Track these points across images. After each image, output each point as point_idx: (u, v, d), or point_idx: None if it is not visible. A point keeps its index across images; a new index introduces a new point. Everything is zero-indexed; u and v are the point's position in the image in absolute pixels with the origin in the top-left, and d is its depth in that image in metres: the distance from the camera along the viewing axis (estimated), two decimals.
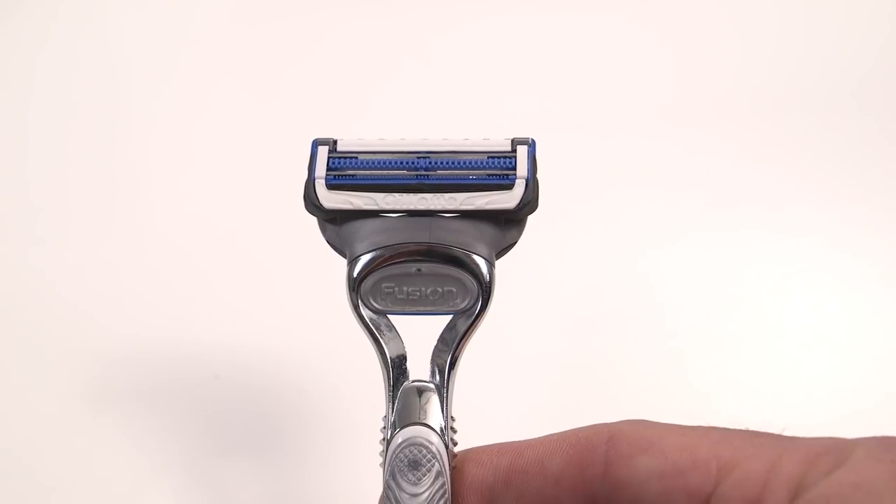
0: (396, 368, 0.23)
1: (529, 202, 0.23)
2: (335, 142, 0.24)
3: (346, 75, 0.50)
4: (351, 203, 0.23)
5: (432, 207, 0.23)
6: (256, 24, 0.53)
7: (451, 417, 0.23)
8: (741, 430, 0.20)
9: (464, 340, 0.23)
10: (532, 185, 0.23)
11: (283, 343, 0.40)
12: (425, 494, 0.22)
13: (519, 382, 0.37)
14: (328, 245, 0.24)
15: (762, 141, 0.47)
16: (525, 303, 0.41)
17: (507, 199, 0.23)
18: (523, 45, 0.52)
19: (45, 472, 0.36)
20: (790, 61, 0.51)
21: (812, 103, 0.48)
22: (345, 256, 0.24)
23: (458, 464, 0.23)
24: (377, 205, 0.23)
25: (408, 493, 0.22)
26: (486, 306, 0.23)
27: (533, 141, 0.24)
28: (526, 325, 0.40)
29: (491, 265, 0.23)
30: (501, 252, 0.24)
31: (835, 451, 0.18)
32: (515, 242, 0.24)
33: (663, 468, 0.20)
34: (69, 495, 0.36)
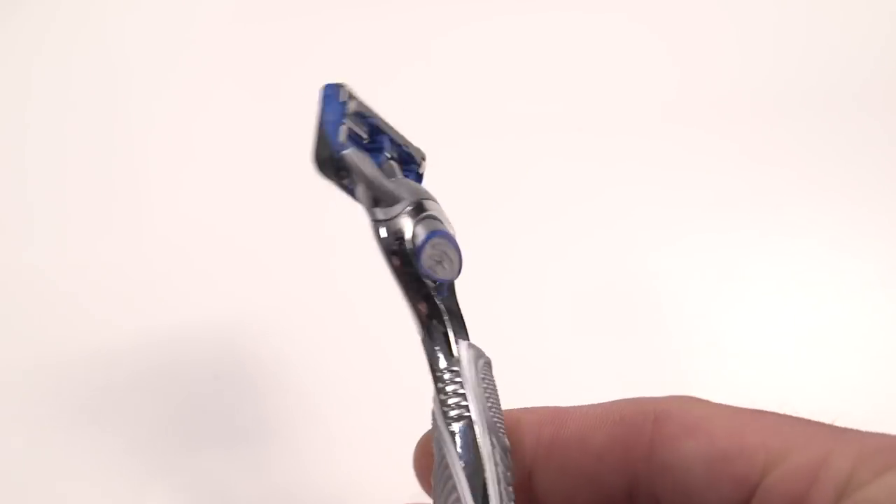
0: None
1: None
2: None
3: (346, 76, 0.50)
4: None
5: None
6: (256, 24, 0.52)
7: None
8: (792, 418, 0.20)
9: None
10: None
11: (284, 344, 0.39)
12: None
13: (518, 383, 0.37)
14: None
15: (763, 141, 0.47)
16: (525, 303, 0.40)
17: None
18: (523, 46, 0.52)
19: (45, 472, 0.36)
20: (791, 62, 0.51)
21: (813, 104, 0.48)
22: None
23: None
24: None
25: None
26: None
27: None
28: (525, 325, 0.40)
29: None
30: None
31: (886, 451, 0.17)
32: None
33: (710, 453, 0.19)
34: (68, 494, 0.35)
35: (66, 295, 0.41)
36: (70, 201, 0.45)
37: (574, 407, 0.22)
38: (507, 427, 0.22)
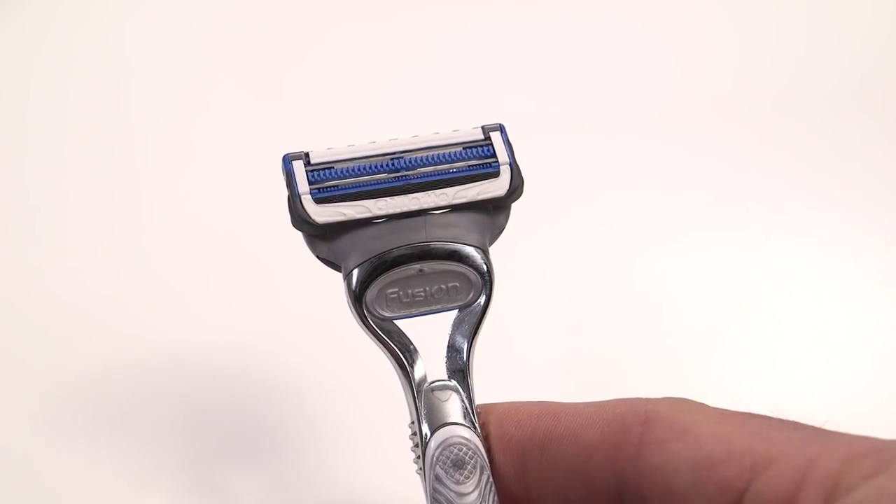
0: (414, 371, 0.23)
1: (518, 187, 0.24)
2: (307, 154, 0.23)
3: (346, 75, 0.50)
4: (343, 214, 0.23)
5: (425, 206, 0.23)
6: (256, 25, 0.52)
7: (476, 411, 0.23)
8: (780, 421, 0.20)
9: (476, 332, 0.24)
10: (516, 169, 0.24)
11: (283, 344, 0.39)
12: (476, 492, 0.22)
13: (518, 383, 0.37)
14: (320, 261, 0.24)
15: (762, 141, 0.47)
16: (525, 303, 0.40)
17: (496, 187, 0.23)
18: (523, 45, 0.52)
19: (44, 473, 0.36)
20: (790, 61, 0.51)
21: (812, 103, 0.48)
22: (340, 271, 0.24)
23: (495, 418, 0.23)
24: (370, 212, 0.23)
25: (457, 493, 0.22)
26: (490, 295, 0.24)
27: (502, 126, 0.24)
28: (526, 324, 0.40)
29: (487, 254, 0.24)
30: (493, 240, 0.24)
31: (875, 454, 0.17)
32: (504, 228, 0.24)
33: (696, 458, 0.19)
34: (68, 495, 0.35)
35: (65, 296, 0.41)
36: (70, 203, 0.45)
37: (571, 403, 0.22)
38: (506, 417, 0.23)
